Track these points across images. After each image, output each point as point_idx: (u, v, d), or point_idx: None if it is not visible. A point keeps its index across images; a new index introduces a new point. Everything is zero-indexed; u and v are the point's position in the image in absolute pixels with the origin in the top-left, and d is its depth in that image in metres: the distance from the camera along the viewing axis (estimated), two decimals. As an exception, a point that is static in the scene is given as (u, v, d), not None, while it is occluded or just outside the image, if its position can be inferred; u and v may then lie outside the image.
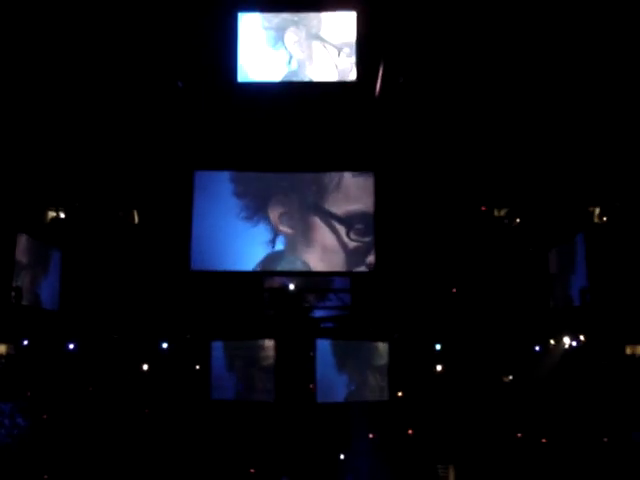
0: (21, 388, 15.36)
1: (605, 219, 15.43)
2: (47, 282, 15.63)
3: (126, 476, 14.90)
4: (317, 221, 16.32)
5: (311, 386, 15.81)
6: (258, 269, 16.26)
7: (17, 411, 15.04)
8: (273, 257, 16.32)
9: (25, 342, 15.36)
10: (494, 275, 15.82)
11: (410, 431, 15.67)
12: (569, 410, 14.78)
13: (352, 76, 15.81)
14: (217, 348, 16.15)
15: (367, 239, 16.19)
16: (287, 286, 16.21)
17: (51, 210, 16.42)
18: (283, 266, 16.28)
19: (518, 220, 16.15)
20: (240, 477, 15.31)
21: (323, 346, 15.99)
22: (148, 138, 16.08)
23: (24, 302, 14.63)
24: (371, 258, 16.13)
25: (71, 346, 15.63)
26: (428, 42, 15.45)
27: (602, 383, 14.62)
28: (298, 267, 16.22)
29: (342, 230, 16.25)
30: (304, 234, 16.34)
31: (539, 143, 15.63)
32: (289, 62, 15.95)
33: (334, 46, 15.87)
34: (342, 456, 15.51)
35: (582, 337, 14.80)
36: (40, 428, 15.27)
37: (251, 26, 16.01)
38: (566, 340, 14.96)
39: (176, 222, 16.23)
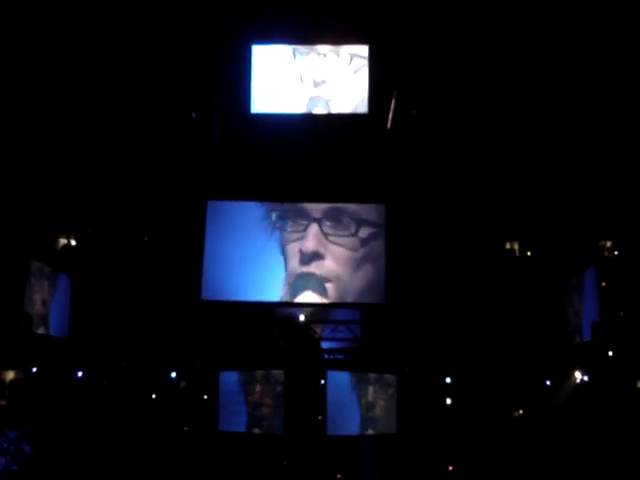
0: (28, 415, 15.25)
1: (616, 253, 15.40)
2: (57, 309, 15.58)
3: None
4: (335, 249, 16.33)
5: (320, 418, 15.72)
6: (269, 300, 16.24)
7: (23, 438, 14.91)
8: (290, 279, 16.34)
9: (34, 369, 15.31)
10: (506, 308, 15.77)
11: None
12: (580, 445, 14.64)
13: (364, 108, 15.89)
14: (226, 378, 16.07)
15: (379, 271, 16.21)
16: (297, 317, 16.18)
17: (62, 237, 16.45)
18: (295, 292, 16.26)
19: (529, 253, 16.14)
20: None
21: (333, 378, 15.91)
22: (161, 167, 16.19)
23: (34, 329, 14.59)
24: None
25: (80, 374, 15.58)
26: (440, 74, 15.56)
27: (613, 418, 14.47)
28: (309, 298, 16.20)
29: (354, 261, 16.26)
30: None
31: (551, 176, 15.68)
32: (302, 94, 16.05)
33: (346, 78, 15.99)
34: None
35: (593, 372, 14.71)
36: (46, 456, 15.14)
37: (264, 58, 16.12)
38: (577, 375, 14.86)
39: (187, 251, 16.29)
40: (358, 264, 16.26)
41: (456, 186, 16.08)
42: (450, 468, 15.39)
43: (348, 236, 16.38)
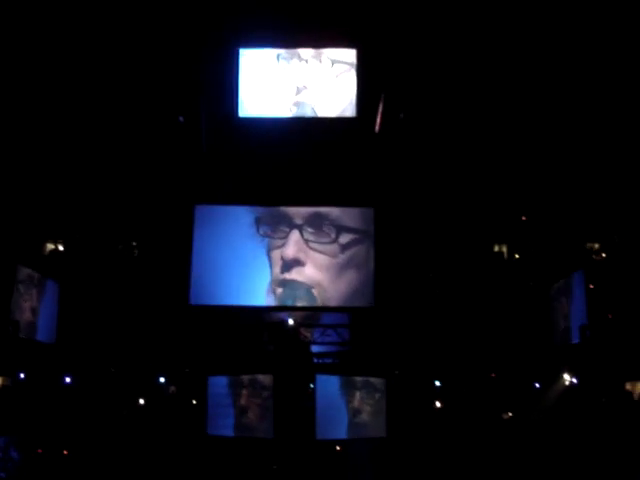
0: (16, 421, 15.17)
1: (604, 255, 15.44)
2: (45, 315, 15.50)
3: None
4: (316, 256, 16.30)
5: (309, 421, 15.71)
6: (258, 304, 16.22)
7: (11, 445, 14.85)
8: (274, 285, 16.29)
9: (22, 375, 15.23)
10: (494, 311, 15.80)
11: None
12: (569, 447, 14.67)
13: (352, 112, 15.92)
14: (214, 383, 16.04)
15: (367, 275, 16.22)
16: (286, 321, 16.16)
17: (50, 242, 16.37)
18: (283, 299, 16.23)
19: (517, 256, 16.17)
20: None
21: (322, 382, 15.90)
22: (149, 172, 16.15)
23: (21, 335, 14.52)
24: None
25: (68, 379, 15.51)
26: (428, 78, 15.60)
27: (601, 420, 14.51)
28: (297, 302, 16.18)
29: (335, 268, 16.28)
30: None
31: (539, 179, 15.72)
32: (289, 97, 16.07)
33: (334, 82, 16.01)
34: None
35: (581, 374, 14.74)
36: (34, 462, 15.06)
37: (252, 62, 16.18)
38: (566, 377, 14.89)
39: (176, 256, 16.24)
40: (339, 270, 16.23)
41: (444, 189, 16.09)
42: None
43: (328, 243, 16.33)
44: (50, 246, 16.37)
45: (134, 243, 16.50)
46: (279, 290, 16.22)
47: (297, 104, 16.04)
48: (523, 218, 16.17)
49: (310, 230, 16.39)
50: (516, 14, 14.54)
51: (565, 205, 15.60)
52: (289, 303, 16.18)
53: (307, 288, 16.14)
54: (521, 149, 15.68)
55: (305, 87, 16.03)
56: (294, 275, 16.24)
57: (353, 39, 15.92)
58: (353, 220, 16.51)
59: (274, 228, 16.51)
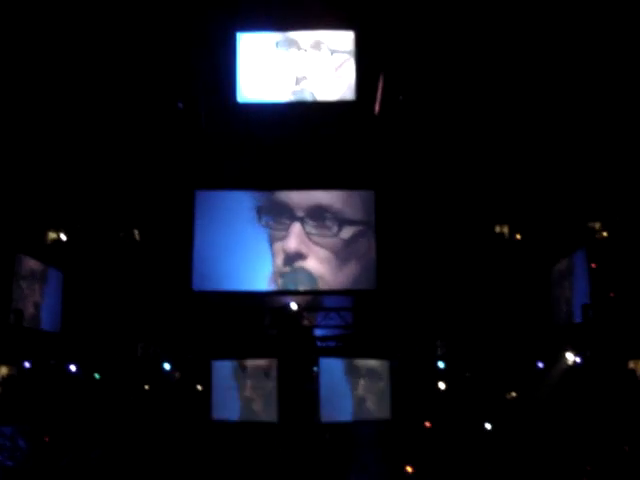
0: (23, 410, 15.26)
1: (605, 234, 15.40)
2: (48, 303, 15.58)
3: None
4: (318, 249, 16.28)
5: (313, 405, 15.79)
6: (260, 289, 16.25)
7: (18, 434, 14.93)
8: (275, 276, 16.30)
9: (27, 364, 15.31)
10: (497, 292, 15.80)
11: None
12: (573, 425, 14.72)
13: (351, 95, 15.85)
14: (219, 368, 16.10)
15: (369, 257, 16.24)
16: (289, 305, 16.19)
17: (52, 231, 16.38)
18: (285, 285, 16.25)
19: (519, 236, 16.14)
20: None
21: (326, 365, 15.95)
22: (149, 158, 16.11)
23: (25, 324, 14.58)
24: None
25: (72, 367, 15.59)
26: (427, 59, 15.52)
27: (605, 398, 14.54)
28: (300, 286, 16.20)
29: (337, 261, 16.27)
30: (307, 249, 16.29)
31: (539, 159, 15.66)
32: (288, 81, 16.01)
33: (333, 65, 15.94)
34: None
35: (585, 353, 14.76)
36: (42, 450, 15.16)
37: (250, 46, 16.10)
38: (569, 356, 14.92)
39: (177, 242, 16.24)
40: (342, 263, 16.22)
41: (445, 171, 16.04)
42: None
43: (330, 236, 16.30)
44: (52, 235, 16.36)
45: (136, 230, 16.47)
46: (281, 279, 16.24)
47: (296, 89, 15.96)
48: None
49: (312, 223, 16.36)
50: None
51: (566, 184, 15.53)
52: (291, 287, 16.20)
53: (309, 275, 16.15)
54: (521, 129, 15.60)
55: (305, 77, 15.95)
56: (296, 268, 16.26)
57: (351, 21, 15.81)
58: (354, 211, 16.42)
59: (275, 219, 16.46)
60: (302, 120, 15.99)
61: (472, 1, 14.88)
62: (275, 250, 16.31)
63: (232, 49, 15.99)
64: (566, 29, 14.44)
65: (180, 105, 15.87)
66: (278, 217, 16.45)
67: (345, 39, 15.88)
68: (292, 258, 16.21)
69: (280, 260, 16.27)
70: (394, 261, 16.10)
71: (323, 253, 16.21)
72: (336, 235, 16.31)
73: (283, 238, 16.33)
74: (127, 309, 15.98)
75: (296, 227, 16.29)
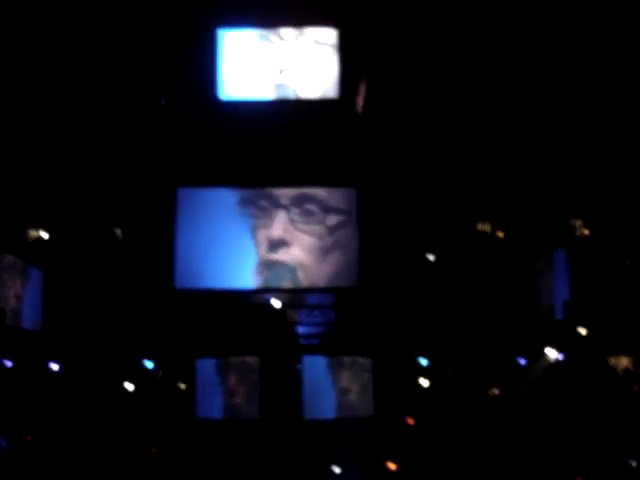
0: (4, 409, 15.16)
1: (586, 232, 15.49)
2: (29, 302, 15.46)
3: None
4: (302, 236, 16.29)
5: (296, 402, 15.81)
6: (244, 286, 16.22)
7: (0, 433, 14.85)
8: (260, 268, 16.30)
9: (8, 363, 15.20)
10: (479, 289, 15.88)
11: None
12: (556, 422, 14.83)
13: (334, 92, 15.83)
14: (202, 366, 16.09)
15: (351, 256, 16.24)
16: (272, 303, 16.19)
17: (32, 230, 16.25)
18: (268, 282, 16.23)
19: (500, 233, 16.21)
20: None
21: (309, 362, 15.99)
22: (130, 156, 16.01)
23: (7, 322, 14.48)
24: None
25: (54, 366, 15.51)
26: (410, 57, 15.51)
27: (587, 395, 14.65)
28: (283, 283, 16.20)
29: (321, 249, 16.28)
30: (291, 237, 16.31)
31: (521, 156, 15.71)
32: (271, 79, 15.96)
33: (316, 62, 15.90)
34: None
35: (566, 350, 14.86)
36: (23, 449, 15.08)
37: (232, 43, 16.00)
38: (551, 353, 15.02)
39: (160, 240, 16.17)
40: (325, 252, 16.25)
41: (427, 168, 16.09)
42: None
43: (315, 224, 16.34)
44: (33, 233, 16.22)
45: (117, 228, 16.38)
46: (265, 272, 16.22)
47: (279, 86, 15.92)
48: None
49: (296, 211, 16.37)
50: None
51: (547, 182, 15.59)
52: (274, 285, 16.19)
53: (292, 269, 16.15)
54: (503, 126, 15.63)
55: (287, 69, 15.91)
56: (280, 255, 16.26)
57: (334, 18, 15.77)
58: (339, 201, 16.50)
59: (259, 207, 16.48)
60: (285, 117, 15.93)
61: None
62: (259, 239, 16.32)
63: (214, 46, 15.91)
64: (551, 26, 14.45)
65: (162, 102, 15.79)
66: (262, 205, 16.48)
67: (329, 34, 15.84)
68: (276, 245, 16.22)
69: (264, 248, 16.28)
70: (376, 257, 16.14)
71: (307, 240, 16.23)
72: (321, 222, 16.36)
73: (267, 226, 16.35)
74: (109, 307, 15.90)
75: (281, 215, 16.31)
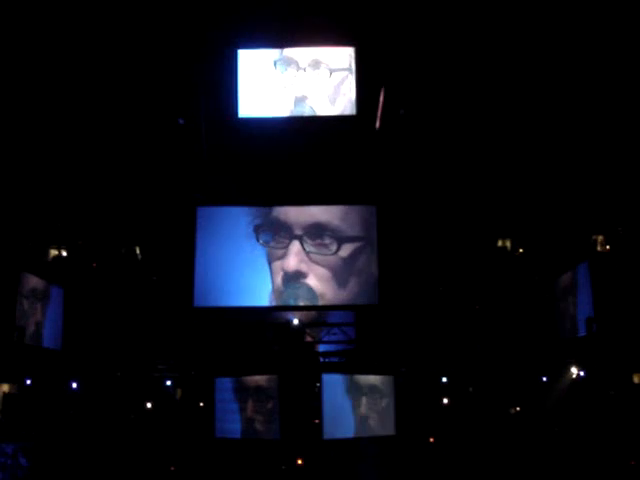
0: (24, 428, 15.19)
1: (608, 247, 15.35)
2: (50, 321, 15.52)
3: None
4: (318, 267, 16.15)
5: (317, 421, 15.67)
6: (262, 304, 16.18)
7: (20, 452, 14.86)
8: (277, 292, 16.21)
9: (28, 382, 15.26)
10: (500, 306, 15.75)
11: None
12: (577, 440, 14.63)
13: (352, 110, 15.83)
14: (221, 385, 16.04)
15: (370, 272, 16.18)
16: (291, 321, 16.13)
17: (53, 248, 16.37)
18: (287, 300, 16.16)
19: (521, 250, 16.10)
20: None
21: (328, 381, 15.86)
22: (150, 175, 16.11)
23: (27, 341, 14.54)
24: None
25: (74, 385, 15.53)
26: (428, 72, 15.50)
27: (609, 413, 14.44)
28: (302, 301, 16.10)
29: (337, 280, 16.14)
30: (307, 268, 16.18)
31: (541, 172, 15.63)
32: (289, 97, 16.00)
33: (333, 80, 15.94)
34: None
35: (588, 367, 14.68)
36: (43, 469, 15.08)
37: (250, 62, 16.04)
38: (573, 370, 14.84)
39: (179, 259, 16.21)
40: (342, 282, 16.04)
41: (446, 185, 16.02)
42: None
43: (330, 254, 16.12)
44: (54, 252, 16.36)
45: (137, 246, 16.45)
46: (283, 293, 16.14)
47: (297, 104, 15.91)
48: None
49: (310, 241, 16.25)
50: (516, 6, 14.44)
51: (569, 197, 15.50)
52: (292, 303, 16.13)
53: (310, 289, 16.05)
54: (523, 142, 15.56)
55: (305, 97, 15.89)
56: (297, 285, 16.17)
57: (351, 36, 15.81)
58: (353, 228, 16.30)
59: (274, 238, 16.35)
60: (303, 135, 15.95)
61: (472, 15, 14.86)
62: (274, 269, 16.15)
63: (233, 65, 16.00)
64: (565, 44, 14.41)
65: (181, 121, 15.87)
66: (276, 236, 16.36)
67: (344, 56, 15.87)
68: (292, 277, 16.08)
69: (279, 279, 16.10)
70: (396, 276, 16.04)
71: (323, 272, 16.07)
72: (335, 253, 16.18)
73: (282, 257, 16.18)
74: (128, 326, 15.94)
75: (295, 246, 16.20)
